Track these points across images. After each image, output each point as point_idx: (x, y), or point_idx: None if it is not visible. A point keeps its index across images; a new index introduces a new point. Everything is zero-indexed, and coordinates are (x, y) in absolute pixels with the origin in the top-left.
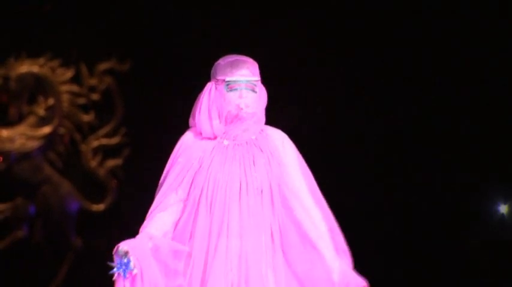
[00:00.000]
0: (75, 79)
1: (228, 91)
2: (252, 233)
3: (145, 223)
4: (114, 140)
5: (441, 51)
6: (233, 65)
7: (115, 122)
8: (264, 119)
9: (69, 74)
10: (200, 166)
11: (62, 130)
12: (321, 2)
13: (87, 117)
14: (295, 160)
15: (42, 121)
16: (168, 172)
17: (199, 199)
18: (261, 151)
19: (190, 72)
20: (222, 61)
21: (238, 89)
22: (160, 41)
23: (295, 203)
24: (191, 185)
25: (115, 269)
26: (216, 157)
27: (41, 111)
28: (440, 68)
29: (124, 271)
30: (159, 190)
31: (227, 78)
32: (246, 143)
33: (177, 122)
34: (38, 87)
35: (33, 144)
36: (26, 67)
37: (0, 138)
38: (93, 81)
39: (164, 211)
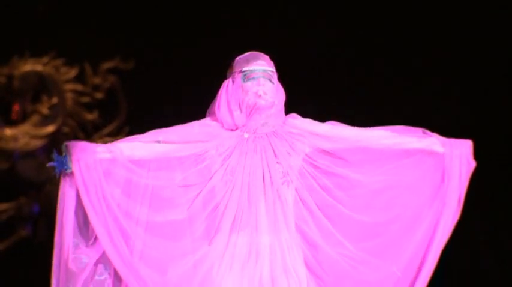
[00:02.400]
0: (79, 78)
1: (245, 81)
2: (280, 227)
3: (123, 139)
4: (118, 139)
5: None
6: (249, 58)
7: (119, 121)
8: (283, 115)
9: (72, 72)
10: (221, 159)
11: (65, 129)
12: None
13: (90, 116)
14: (323, 124)
15: (46, 120)
16: (176, 126)
17: (222, 194)
18: (282, 140)
19: (193, 71)
20: (238, 58)
21: (255, 77)
22: (164, 40)
23: (355, 142)
24: (198, 161)
25: (52, 163)
26: (237, 151)
27: (44, 110)
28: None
29: (59, 166)
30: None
31: (244, 68)
32: (266, 135)
33: (181, 120)
34: (41, 86)
35: (37, 143)
36: (29, 66)
37: (4, 137)
38: (97, 80)
39: (148, 143)
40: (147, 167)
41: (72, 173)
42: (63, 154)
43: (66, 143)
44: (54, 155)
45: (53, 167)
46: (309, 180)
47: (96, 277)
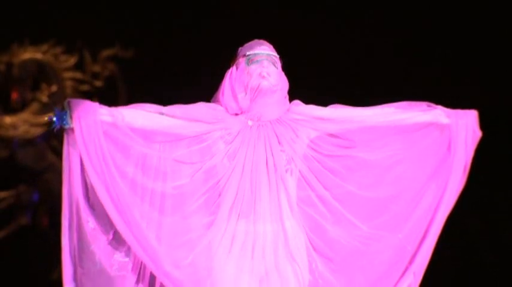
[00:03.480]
0: (79, 66)
1: (249, 64)
2: (285, 214)
3: (128, 106)
4: None
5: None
6: (253, 44)
7: None
8: (287, 103)
9: (72, 60)
10: (223, 142)
11: None
12: None
13: None
14: (326, 108)
15: (46, 108)
16: (182, 104)
17: (221, 175)
18: (286, 128)
19: (193, 59)
20: (241, 47)
21: (259, 60)
22: (164, 28)
23: (360, 122)
24: (199, 139)
25: (51, 117)
26: (240, 137)
27: (44, 98)
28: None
29: (57, 121)
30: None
31: (247, 52)
32: (270, 122)
33: None
34: (41, 74)
35: (37, 131)
36: (29, 54)
37: (4, 125)
38: (96, 68)
39: (151, 113)
40: (153, 139)
41: (71, 130)
42: (65, 109)
43: (68, 99)
44: (55, 109)
45: (52, 122)
46: (314, 163)
47: (120, 259)
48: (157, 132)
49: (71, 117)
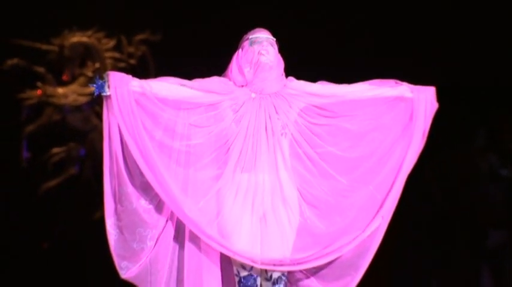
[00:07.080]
0: (117, 47)
1: (252, 45)
2: (279, 168)
3: (155, 79)
4: None
5: None
6: (255, 30)
7: None
8: (284, 80)
9: (111, 43)
10: (231, 110)
11: None
12: None
13: None
14: (315, 84)
15: (91, 81)
16: (200, 78)
17: (228, 136)
18: (283, 100)
19: (209, 41)
20: (245, 33)
21: (259, 41)
22: (187, 16)
23: (342, 96)
24: (211, 108)
25: (92, 85)
26: (245, 106)
27: (89, 73)
28: None
29: (97, 89)
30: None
31: (250, 36)
32: (270, 96)
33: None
34: (86, 54)
35: (83, 99)
36: (77, 38)
37: (57, 95)
38: (131, 49)
39: (175, 85)
40: (177, 106)
41: (109, 97)
42: (104, 79)
43: (107, 72)
44: (96, 79)
45: (93, 89)
46: (303, 128)
47: (146, 206)
48: (179, 101)
49: (108, 87)
